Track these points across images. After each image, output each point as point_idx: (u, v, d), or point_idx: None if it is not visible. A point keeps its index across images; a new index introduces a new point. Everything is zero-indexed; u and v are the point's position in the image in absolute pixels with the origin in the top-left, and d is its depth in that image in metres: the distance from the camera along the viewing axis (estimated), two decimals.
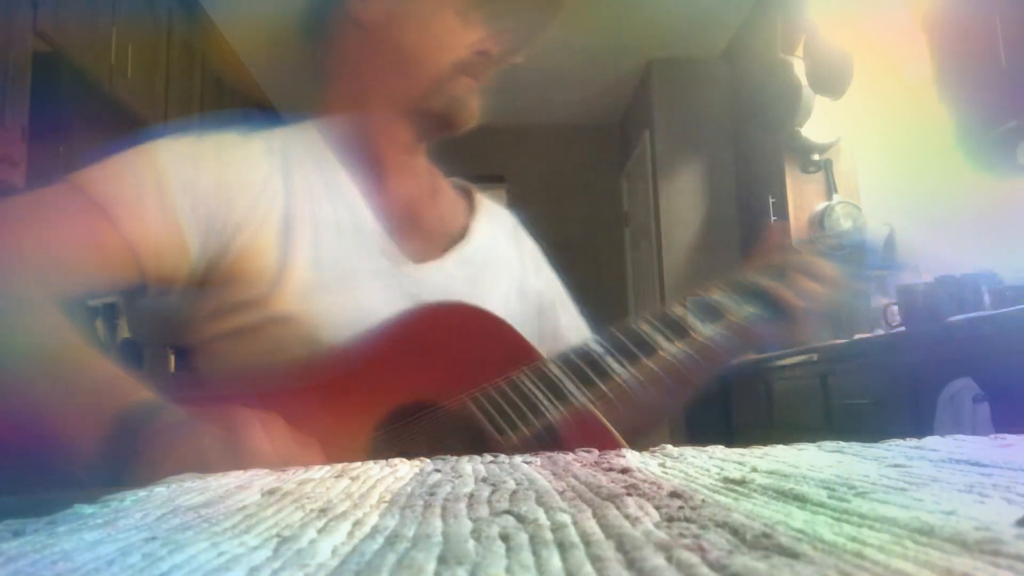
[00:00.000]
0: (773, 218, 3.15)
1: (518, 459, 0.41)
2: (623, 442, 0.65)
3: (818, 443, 0.43)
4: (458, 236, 0.85)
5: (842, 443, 0.42)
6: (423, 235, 0.82)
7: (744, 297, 0.77)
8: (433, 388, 0.66)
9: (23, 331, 0.57)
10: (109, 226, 0.66)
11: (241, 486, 0.34)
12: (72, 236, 0.65)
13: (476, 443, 0.61)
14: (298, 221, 0.73)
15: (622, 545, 0.19)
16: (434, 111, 0.82)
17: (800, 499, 0.25)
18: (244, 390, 0.63)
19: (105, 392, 0.54)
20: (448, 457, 0.44)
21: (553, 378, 0.66)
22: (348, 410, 0.62)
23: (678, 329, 0.73)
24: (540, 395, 0.64)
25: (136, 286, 0.69)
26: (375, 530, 0.23)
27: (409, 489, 0.31)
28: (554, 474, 0.34)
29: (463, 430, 0.63)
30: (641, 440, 0.79)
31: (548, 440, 0.62)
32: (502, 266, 0.88)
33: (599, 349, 0.69)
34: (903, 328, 1.95)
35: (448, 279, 0.79)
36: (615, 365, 0.68)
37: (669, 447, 0.43)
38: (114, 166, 0.70)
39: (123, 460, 0.49)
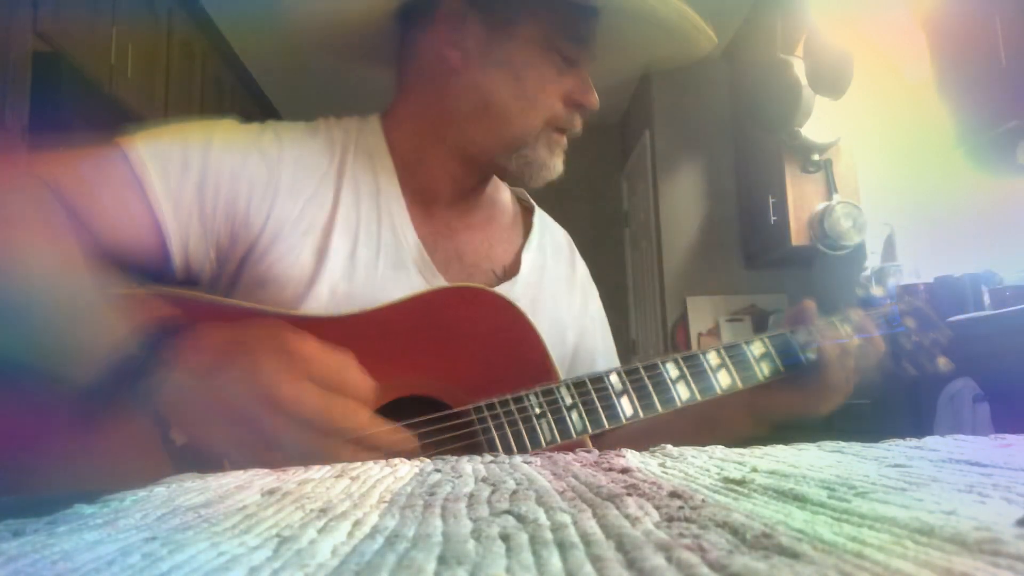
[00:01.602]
0: (773, 218, 3.15)
1: (518, 459, 0.41)
2: None
3: (818, 443, 0.43)
4: (503, 274, 0.81)
5: (842, 443, 0.42)
6: (467, 267, 0.79)
7: (781, 353, 0.74)
8: (439, 381, 0.64)
9: (52, 280, 0.56)
10: (143, 202, 0.66)
11: (241, 486, 0.34)
12: (107, 202, 0.65)
13: (466, 451, 0.61)
14: (339, 231, 0.72)
15: (622, 545, 0.19)
16: (509, 170, 0.76)
17: (800, 499, 0.25)
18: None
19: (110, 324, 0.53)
20: (448, 457, 0.44)
21: (561, 405, 0.64)
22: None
23: (702, 378, 0.69)
24: (544, 423, 0.63)
25: (164, 268, 0.68)
26: (375, 530, 0.23)
27: (409, 489, 0.31)
28: (554, 474, 0.34)
29: (458, 438, 0.62)
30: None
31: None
32: (549, 298, 0.83)
33: (617, 385, 0.66)
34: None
35: None
36: (626, 406, 0.65)
37: (669, 447, 0.43)
38: (166, 139, 0.69)
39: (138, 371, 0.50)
